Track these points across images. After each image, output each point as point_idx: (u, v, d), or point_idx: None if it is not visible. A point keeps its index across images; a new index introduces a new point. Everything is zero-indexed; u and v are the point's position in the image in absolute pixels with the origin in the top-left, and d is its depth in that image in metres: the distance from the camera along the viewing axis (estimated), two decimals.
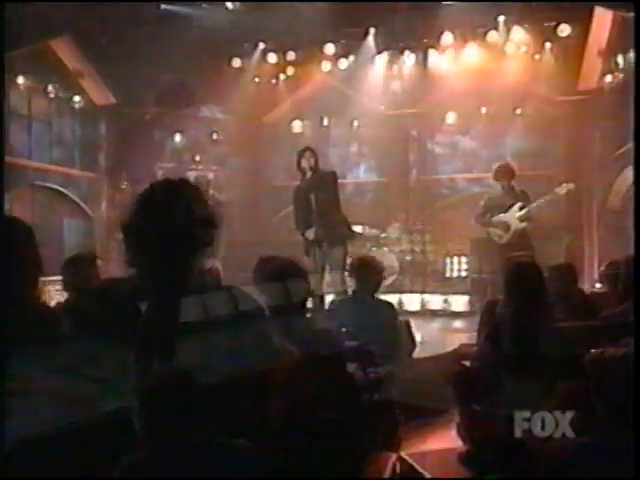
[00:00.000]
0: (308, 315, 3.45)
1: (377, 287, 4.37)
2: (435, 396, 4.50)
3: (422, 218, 9.22)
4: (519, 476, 2.24)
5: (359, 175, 10.35)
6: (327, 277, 5.95)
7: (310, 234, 6.07)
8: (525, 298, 3.08)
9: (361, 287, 4.28)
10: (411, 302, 7.87)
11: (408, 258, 8.42)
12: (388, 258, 8.23)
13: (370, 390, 3.97)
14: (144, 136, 9.58)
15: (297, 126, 10.04)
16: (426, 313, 7.61)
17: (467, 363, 3.31)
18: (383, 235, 8.63)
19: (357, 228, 8.48)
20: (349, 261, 4.58)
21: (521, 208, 6.61)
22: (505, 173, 6.71)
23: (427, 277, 8.53)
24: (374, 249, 8.34)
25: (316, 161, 6.21)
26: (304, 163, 6.17)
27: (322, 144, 9.94)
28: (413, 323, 7.00)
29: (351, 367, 3.62)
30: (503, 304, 3.22)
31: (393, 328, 4.31)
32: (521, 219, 6.60)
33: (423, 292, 8.04)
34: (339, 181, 9.66)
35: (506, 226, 6.64)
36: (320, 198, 6.04)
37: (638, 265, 2.82)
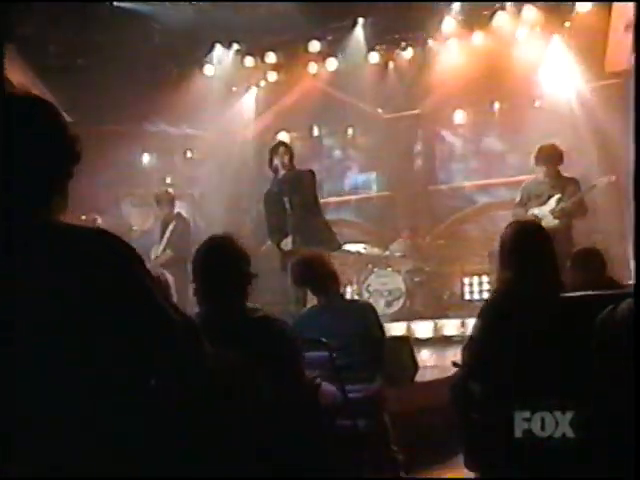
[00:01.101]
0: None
1: (338, 286, 3.99)
2: (441, 431, 3.95)
3: (433, 233, 8.71)
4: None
5: (358, 190, 9.91)
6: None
7: (287, 244, 5.60)
8: (525, 265, 2.54)
9: (321, 294, 3.90)
10: (422, 329, 7.29)
11: (417, 279, 7.88)
12: (393, 280, 7.69)
13: (351, 415, 3.46)
14: (106, 158, 9.23)
15: (283, 139, 9.64)
16: (440, 340, 7.02)
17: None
18: (386, 253, 8.09)
19: (357, 247, 8.07)
20: (289, 267, 4.22)
21: (559, 201, 6.03)
22: (548, 156, 6.05)
23: (441, 300, 7.97)
24: (376, 270, 7.80)
25: (291, 158, 5.80)
26: (277, 160, 5.76)
27: (313, 157, 9.61)
28: (425, 352, 6.54)
29: (325, 385, 3.14)
30: (497, 281, 2.70)
31: (377, 336, 3.81)
32: (555, 215, 6.02)
33: (436, 317, 7.45)
34: (334, 199, 9.56)
35: (537, 221, 6.08)
36: (295, 201, 5.60)
37: (638, 263, 2.59)
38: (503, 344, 2.46)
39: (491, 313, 2.66)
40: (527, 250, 2.62)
